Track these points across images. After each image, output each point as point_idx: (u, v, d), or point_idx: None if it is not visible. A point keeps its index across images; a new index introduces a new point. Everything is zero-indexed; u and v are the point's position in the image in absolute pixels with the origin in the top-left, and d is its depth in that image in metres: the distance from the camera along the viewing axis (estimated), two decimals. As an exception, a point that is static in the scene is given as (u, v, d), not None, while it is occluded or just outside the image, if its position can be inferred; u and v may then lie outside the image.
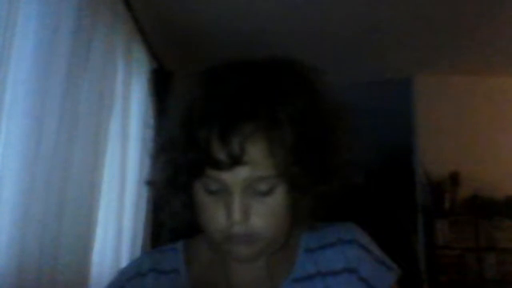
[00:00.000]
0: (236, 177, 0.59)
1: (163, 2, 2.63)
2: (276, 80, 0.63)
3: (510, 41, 3.04)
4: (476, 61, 3.34)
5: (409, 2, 2.62)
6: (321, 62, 0.68)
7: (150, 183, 0.70)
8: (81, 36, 1.56)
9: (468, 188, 3.20)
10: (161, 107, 2.59)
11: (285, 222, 0.64)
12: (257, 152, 0.58)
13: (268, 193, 0.61)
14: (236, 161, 0.58)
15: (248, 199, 0.60)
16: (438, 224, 3.16)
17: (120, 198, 2.02)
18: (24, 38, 1.27)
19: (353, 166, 0.66)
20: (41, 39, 1.34)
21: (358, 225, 0.73)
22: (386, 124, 3.92)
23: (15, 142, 1.23)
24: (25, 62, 1.28)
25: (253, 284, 0.68)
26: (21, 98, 1.25)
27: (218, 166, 0.58)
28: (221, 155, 0.58)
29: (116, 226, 1.99)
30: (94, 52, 1.68)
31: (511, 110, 3.49)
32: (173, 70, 2.74)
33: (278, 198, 0.62)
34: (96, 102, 1.70)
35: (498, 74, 3.47)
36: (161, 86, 2.60)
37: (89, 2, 1.64)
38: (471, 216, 3.15)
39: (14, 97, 1.22)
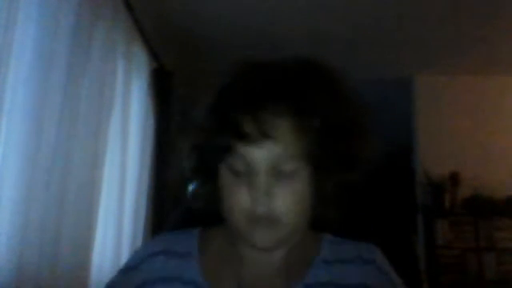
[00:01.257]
0: (263, 153, 0.61)
1: (163, 2, 2.63)
2: (305, 71, 0.66)
3: (510, 40, 3.04)
4: (476, 61, 3.34)
5: (409, 2, 2.62)
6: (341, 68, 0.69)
7: (176, 171, 0.73)
8: (81, 36, 1.56)
9: (468, 188, 3.19)
10: (161, 107, 2.60)
11: (306, 209, 0.65)
12: (285, 129, 0.61)
13: (292, 175, 0.63)
14: (265, 134, 0.60)
15: (272, 180, 0.62)
16: (438, 224, 3.15)
17: (120, 198, 2.02)
18: (24, 38, 1.27)
19: (372, 159, 0.67)
20: (41, 39, 1.34)
21: (358, 225, 0.73)
22: (386, 124, 3.92)
23: (15, 142, 1.23)
24: (25, 62, 1.28)
25: (263, 281, 0.68)
26: (21, 98, 1.25)
27: (248, 139, 0.60)
28: (251, 129, 0.60)
29: (116, 225, 1.99)
30: (94, 52, 1.68)
31: (511, 110, 3.49)
32: (173, 70, 2.74)
33: (302, 182, 0.63)
34: (96, 101, 1.70)
35: (498, 74, 3.47)
36: (161, 86, 2.60)
37: (89, 2, 1.64)
38: (471, 216, 3.15)
39: (13, 97, 1.22)
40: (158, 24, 2.71)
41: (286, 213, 0.63)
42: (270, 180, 0.62)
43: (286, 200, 0.62)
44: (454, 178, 3.22)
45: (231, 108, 0.62)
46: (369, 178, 0.68)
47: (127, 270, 0.73)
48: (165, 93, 2.61)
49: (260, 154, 0.61)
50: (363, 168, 0.67)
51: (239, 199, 0.63)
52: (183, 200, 0.74)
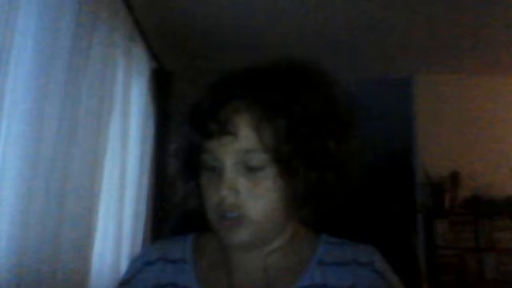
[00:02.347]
0: (226, 148, 0.63)
1: (163, 2, 2.63)
2: (277, 72, 0.67)
3: (510, 41, 3.04)
4: (476, 61, 3.34)
5: (409, 2, 2.62)
6: (321, 62, 0.69)
7: (168, 173, 0.76)
8: (81, 36, 1.56)
9: (468, 188, 3.20)
10: (161, 107, 2.60)
11: (276, 207, 0.65)
12: (243, 124, 0.63)
13: (260, 171, 0.63)
14: (224, 129, 0.62)
15: (239, 176, 0.63)
16: (438, 224, 3.15)
17: (120, 198, 2.02)
18: (24, 38, 1.27)
19: (352, 160, 0.66)
20: (41, 39, 1.33)
21: (358, 225, 0.73)
22: (386, 124, 3.92)
23: (15, 141, 1.22)
24: (25, 62, 1.27)
25: (256, 285, 0.68)
26: (21, 98, 1.25)
27: (209, 134, 0.64)
28: (212, 126, 0.63)
29: (116, 226, 1.99)
30: (94, 52, 1.68)
31: (511, 110, 3.49)
32: (173, 70, 2.74)
33: (270, 178, 0.63)
34: (96, 101, 1.70)
35: (497, 74, 3.47)
36: (161, 86, 2.60)
37: (89, 2, 1.64)
38: (471, 216, 3.15)
39: (13, 97, 1.22)
40: (158, 24, 2.71)
41: (253, 209, 0.63)
42: (236, 175, 0.63)
43: (254, 196, 0.63)
44: (454, 178, 3.22)
45: (200, 108, 0.66)
46: (369, 178, 0.68)
47: (125, 283, 0.73)
48: (165, 93, 2.61)
49: (223, 149, 0.63)
50: (343, 168, 0.66)
51: (210, 195, 0.65)
52: (174, 201, 0.76)
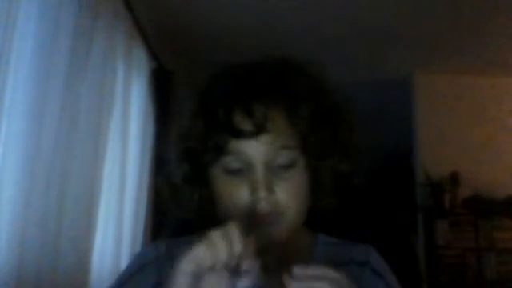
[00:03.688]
0: (259, 146, 0.60)
1: (163, 2, 2.63)
2: (283, 66, 0.67)
3: (510, 40, 3.04)
4: (476, 61, 3.34)
5: (409, 1, 2.62)
6: (321, 62, 0.69)
7: (165, 180, 0.70)
8: (81, 36, 1.56)
9: (468, 188, 3.19)
10: (161, 107, 2.60)
11: (305, 199, 0.64)
12: (278, 121, 0.61)
13: (289, 166, 0.62)
14: (260, 128, 0.60)
15: (271, 175, 0.61)
16: (438, 224, 3.15)
17: (120, 198, 2.02)
18: (24, 38, 1.27)
19: (364, 154, 0.67)
20: (41, 39, 1.34)
21: (358, 225, 0.73)
22: (386, 124, 3.92)
23: (15, 141, 1.23)
24: (25, 62, 1.28)
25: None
26: (21, 98, 1.25)
27: (244, 135, 0.60)
28: (245, 125, 0.60)
29: (116, 226, 1.99)
30: (94, 52, 1.68)
31: (511, 110, 3.49)
32: (173, 69, 2.74)
33: (299, 172, 0.63)
34: (96, 101, 1.70)
35: (497, 74, 3.47)
36: (161, 86, 2.60)
37: (89, 2, 1.64)
38: (471, 216, 3.15)
39: (13, 97, 1.22)
40: (158, 24, 2.71)
41: (288, 206, 0.62)
42: (269, 175, 0.61)
43: (287, 192, 0.62)
44: (454, 178, 3.22)
45: (221, 106, 0.62)
46: (369, 178, 0.68)
47: (126, 278, 0.72)
48: (165, 93, 2.61)
49: (257, 149, 0.60)
50: (354, 158, 0.66)
51: (239, 198, 0.62)
52: (173, 210, 0.71)
